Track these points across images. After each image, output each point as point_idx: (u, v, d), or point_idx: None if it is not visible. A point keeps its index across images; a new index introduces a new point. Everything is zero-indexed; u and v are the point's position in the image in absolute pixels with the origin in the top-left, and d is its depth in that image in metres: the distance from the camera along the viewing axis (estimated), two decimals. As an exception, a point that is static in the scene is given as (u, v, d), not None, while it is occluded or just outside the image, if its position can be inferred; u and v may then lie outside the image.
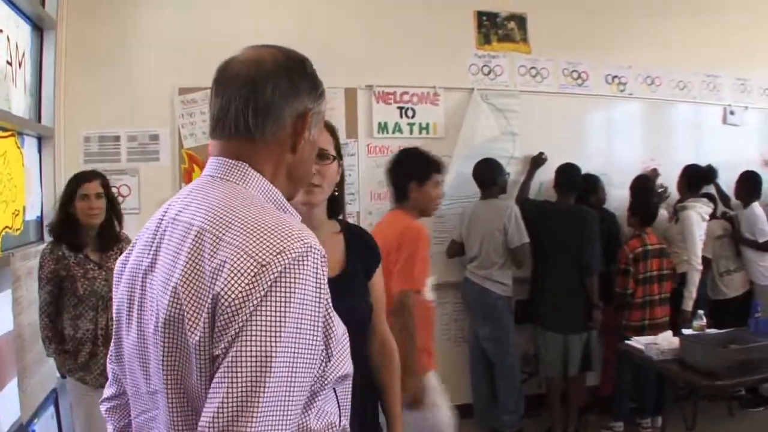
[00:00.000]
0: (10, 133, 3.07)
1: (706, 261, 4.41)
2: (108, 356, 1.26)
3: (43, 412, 3.22)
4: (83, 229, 3.06)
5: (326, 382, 1.07)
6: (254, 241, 0.97)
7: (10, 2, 3.12)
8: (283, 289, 0.94)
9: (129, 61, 4.07)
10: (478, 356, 4.27)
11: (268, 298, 0.94)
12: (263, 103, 1.09)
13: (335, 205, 1.90)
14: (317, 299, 0.99)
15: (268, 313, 0.93)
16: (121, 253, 1.11)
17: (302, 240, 0.98)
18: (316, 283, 0.98)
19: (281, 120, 1.11)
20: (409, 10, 4.52)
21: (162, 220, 1.12)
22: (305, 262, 0.97)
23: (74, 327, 2.98)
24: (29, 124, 3.46)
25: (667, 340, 3.57)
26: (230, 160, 1.11)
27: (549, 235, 4.22)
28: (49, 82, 3.74)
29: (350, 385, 1.18)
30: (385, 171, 3.20)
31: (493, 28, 4.75)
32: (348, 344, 1.15)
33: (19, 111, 3.27)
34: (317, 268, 0.99)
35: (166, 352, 1.02)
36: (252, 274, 0.94)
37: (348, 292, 1.76)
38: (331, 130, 1.84)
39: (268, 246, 0.96)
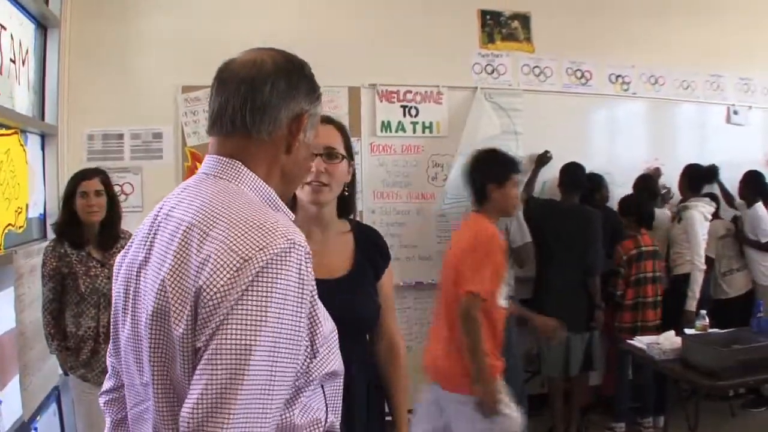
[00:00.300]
0: (13, 130, 3.08)
1: (709, 261, 4.40)
2: (108, 350, 1.28)
3: (45, 410, 3.23)
4: (85, 226, 3.05)
5: (311, 378, 1.08)
6: (238, 237, 0.99)
7: (15, 0, 3.13)
8: (264, 284, 0.96)
9: (132, 60, 4.08)
10: (480, 355, 4.25)
11: (249, 292, 0.95)
12: (261, 102, 1.11)
13: (345, 205, 1.90)
14: (300, 295, 1.00)
15: (249, 307, 0.95)
16: (123, 250, 1.13)
17: (286, 236, 1.00)
18: (299, 278, 0.99)
19: (278, 120, 1.13)
20: (413, 9, 4.52)
21: (157, 216, 1.14)
22: (288, 258, 0.98)
23: (76, 324, 2.97)
24: (32, 122, 3.47)
25: (669, 340, 3.57)
26: (225, 159, 1.13)
27: (554, 234, 4.21)
28: (52, 80, 3.75)
29: (341, 383, 1.20)
30: (462, 174, 3.16)
31: (497, 27, 4.74)
32: (337, 342, 1.16)
33: (23, 109, 3.28)
34: (300, 265, 1.00)
35: (153, 344, 1.04)
36: (234, 268, 0.96)
37: (356, 291, 1.77)
38: (341, 129, 1.83)
39: (251, 241, 0.98)
